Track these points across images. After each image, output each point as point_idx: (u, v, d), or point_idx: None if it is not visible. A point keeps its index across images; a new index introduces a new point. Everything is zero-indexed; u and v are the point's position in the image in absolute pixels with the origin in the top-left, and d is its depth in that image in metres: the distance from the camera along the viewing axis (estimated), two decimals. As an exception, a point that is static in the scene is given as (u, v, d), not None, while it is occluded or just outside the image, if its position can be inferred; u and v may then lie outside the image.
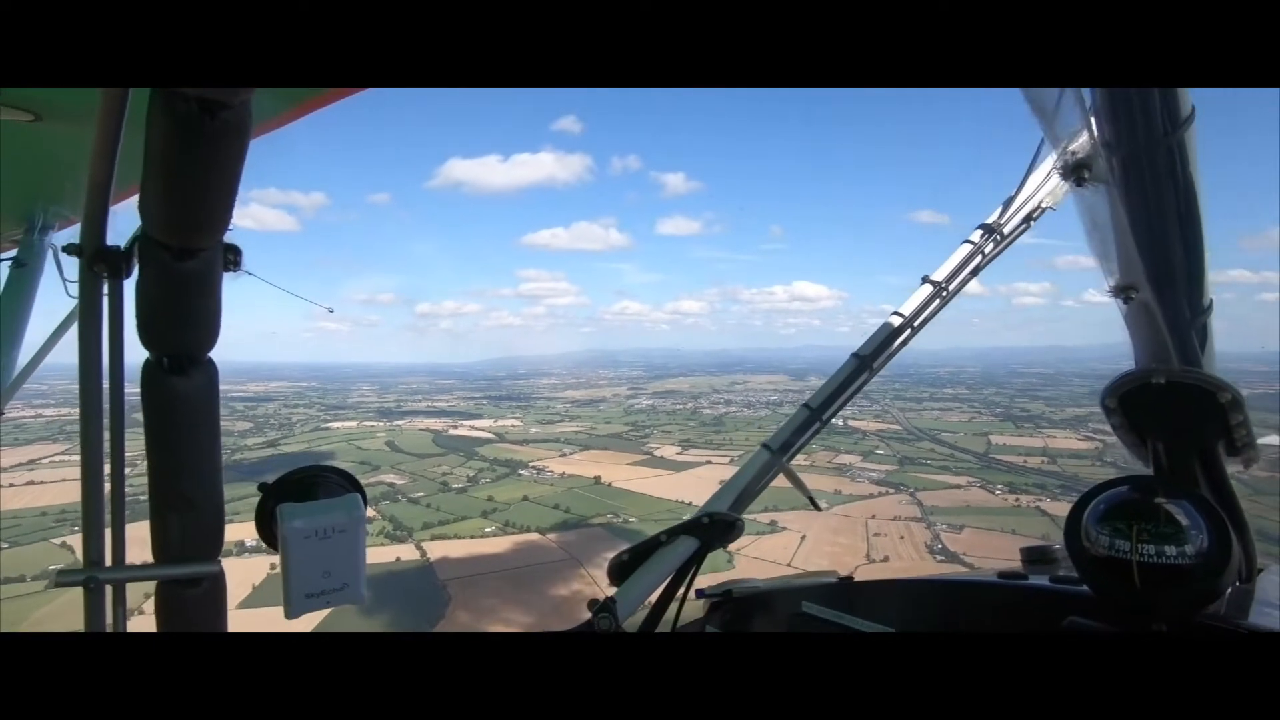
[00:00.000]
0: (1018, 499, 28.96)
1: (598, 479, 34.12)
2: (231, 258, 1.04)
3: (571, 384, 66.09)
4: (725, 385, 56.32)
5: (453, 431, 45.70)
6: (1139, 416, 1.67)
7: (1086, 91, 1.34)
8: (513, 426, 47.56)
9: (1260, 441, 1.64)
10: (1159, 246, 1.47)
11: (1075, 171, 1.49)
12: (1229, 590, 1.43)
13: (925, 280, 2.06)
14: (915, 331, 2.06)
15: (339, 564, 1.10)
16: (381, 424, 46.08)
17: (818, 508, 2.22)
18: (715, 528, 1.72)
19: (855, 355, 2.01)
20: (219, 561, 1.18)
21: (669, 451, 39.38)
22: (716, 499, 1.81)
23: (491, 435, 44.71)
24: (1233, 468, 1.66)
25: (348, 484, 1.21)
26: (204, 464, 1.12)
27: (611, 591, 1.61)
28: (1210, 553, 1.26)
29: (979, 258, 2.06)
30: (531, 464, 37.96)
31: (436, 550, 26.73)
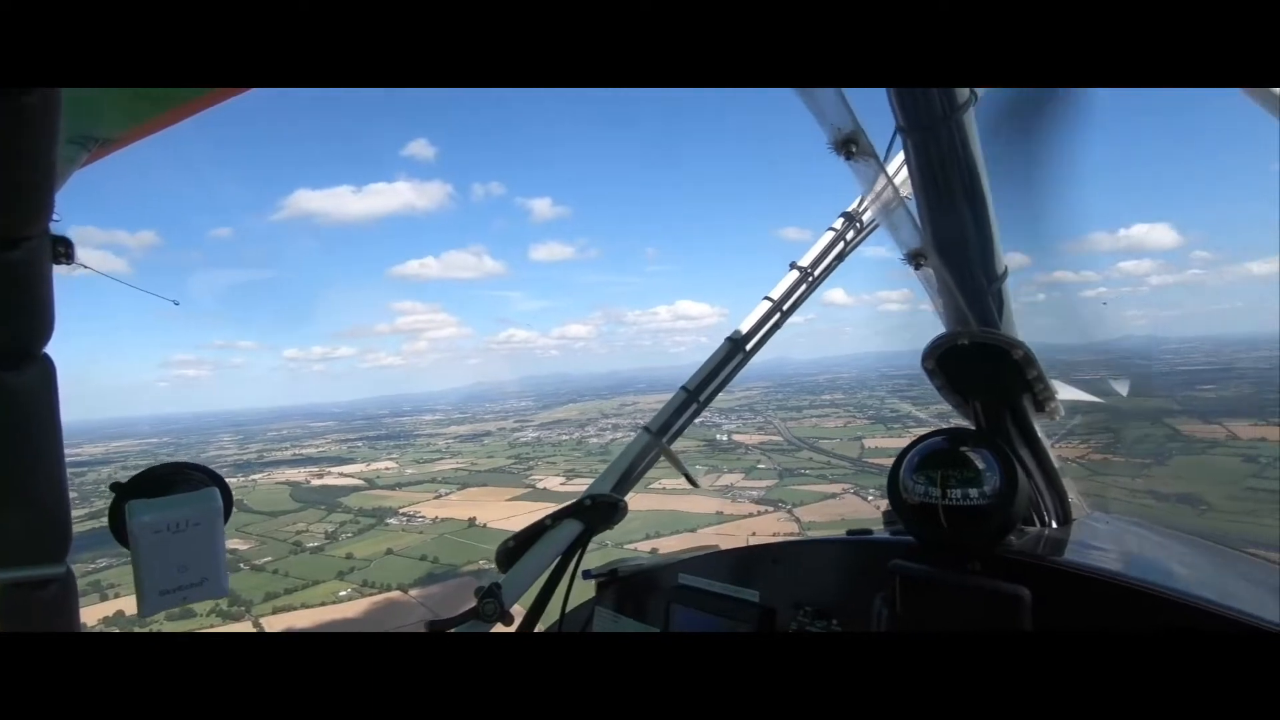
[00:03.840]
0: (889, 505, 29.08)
1: (472, 520, 32.04)
2: (62, 250, 1.01)
3: (456, 419, 63.67)
4: (615, 408, 55.43)
5: (316, 482, 42.03)
6: (956, 377, 1.78)
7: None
8: (386, 469, 44.53)
9: (1059, 396, 1.77)
10: (950, 218, 1.62)
11: (844, 147, 1.55)
12: (1046, 532, 1.76)
13: (793, 266, 2.14)
14: (785, 315, 2.14)
15: (196, 558, 1.10)
16: (233, 480, 41.18)
17: (694, 484, 2.28)
18: (598, 510, 1.79)
19: (730, 339, 2.07)
20: (66, 563, 1.09)
21: (553, 483, 37.66)
22: (599, 482, 1.87)
23: (361, 482, 41.48)
24: (1045, 420, 1.83)
25: (209, 479, 1.22)
26: (45, 462, 1.05)
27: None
28: (1002, 491, 1.38)
29: (841, 244, 2.16)
30: (402, 510, 35.21)
31: (277, 624, 23.69)
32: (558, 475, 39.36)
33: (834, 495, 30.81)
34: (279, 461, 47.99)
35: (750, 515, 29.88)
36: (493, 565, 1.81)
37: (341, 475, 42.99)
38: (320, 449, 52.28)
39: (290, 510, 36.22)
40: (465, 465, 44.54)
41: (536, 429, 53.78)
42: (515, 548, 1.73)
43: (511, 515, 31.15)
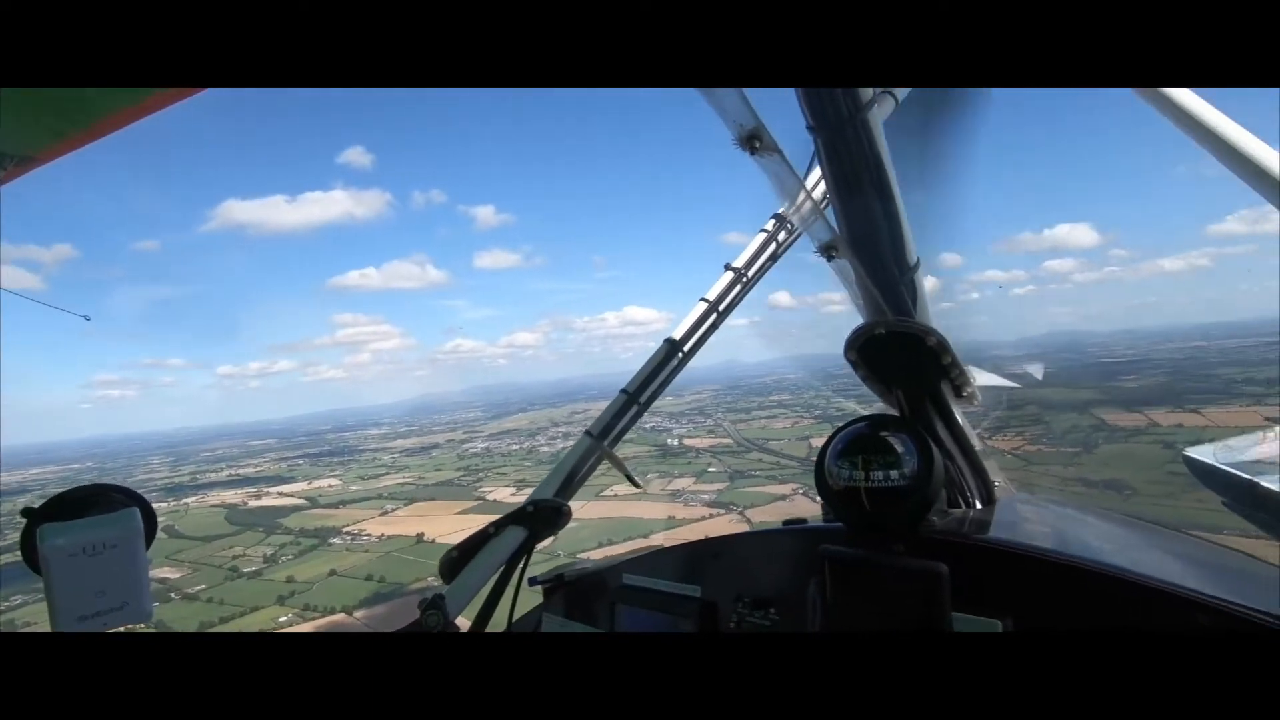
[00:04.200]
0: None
1: (420, 536, 31.08)
2: None
3: (403, 432, 62.20)
4: (565, 416, 54.96)
5: (254, 503, 40.25)
6: (877, 367, 1.80)
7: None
8: (330, 487, 42.99)
9: (977, 382, 1.85)
10: (861, 213, 1.70)
11: (748, 143, 1.57)
12: (970, 513, 1.85)
13: (727, 267, 2.17)
14: (722, 316, 2.16)
15: (115, 582, 1.07)
16: (164, 505, 39.15)
17: (636, 485, 2.29)
18: (541, 515, 1.80)
19: (668, 340, 2.10)
20: None
21: (503, 494, 36.90)
22: (542, 487, 1.88)
23: (302, 501, 39.91)
24: (965, 405, 1.90)
25: (129, 499, 1.19)
26: None
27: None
28: (919, 473, 1.43)
29: (774, 245, 2.19)
30: (346, 529, 33.96)
31: (213, 655, 22.38)
32: (508, 486, 38.63)
33: (784, 496, 30.99)
34: (214, 483, 45.85)
35: (702, 519, 29.83)
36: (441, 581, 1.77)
37: (281, 495, 41.36)
38: (258, 469, 50.38)
39: (226, 534, 34.56)
40: (412, 480, 43.41)
41: (486, 440, 52.97)
42: (459, 558, 1.72)
43: (461, 529, 30.01)
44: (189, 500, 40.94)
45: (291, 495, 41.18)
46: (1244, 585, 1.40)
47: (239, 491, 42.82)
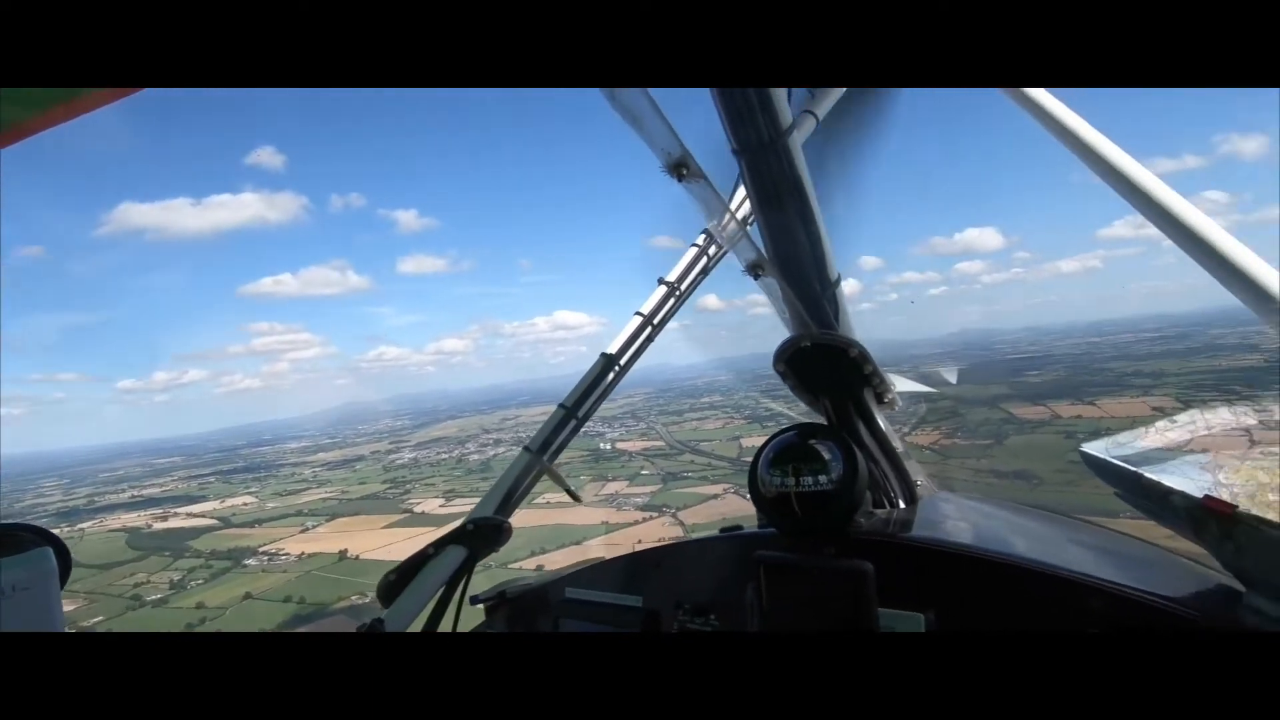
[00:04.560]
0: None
1: (343, 553, 29.80)
2: None
3: (324, 444, 59.71)
4: (496, 423, 54.05)
5: (159, 525, 37.78)
6: (805, 378, 1.90)
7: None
8: (244, 505, 40.83)
9: (897, 388, 1.96)
10: (785, 233, 1.77)
11: (676, 170, 1.61)
12: (895, 513, 1.96)
13: (660, 281, 2.19)
14: (657, 329, 2.18)
15: (29, 627, 1.03)
16: (55, 531, 35.87)
17: (577, 499, 2.21)
18: (482, 533, 1.77)
19: (604, 354, 2.10)
20: None
21: (431, 505, 35.94)
22: (482, 505, 1.85)
23: (214, 521, 37.71)
24: (887, 410, 2.01)
25: (40, 539, 1.14)
26: None
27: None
28: (845, 477, 1.49)
29: (705, 259, 2.22)
30: (262, 549, 32.21)
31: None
32: (437, 497, 37.70)
33: (715, 496, 31.41)
34: (113, 506, 43.03)
35: (636, 523, 29.91)
36: (368, 598, 1.73)
37: (190, 516, 39.08)
38: (165, 488, 47.63)
39: (127, 560, 32.16)
40: (335, 494, 41.75)
41: (413, 449, 51.67)
42: (397, 580, 1.69)
43: (387, 544, 29.62)
44: (85, 525, 37.98)
45: (202, 516, 38.92)
46: (1136, 569, 1.51)
47: (142, 514, 40.09)
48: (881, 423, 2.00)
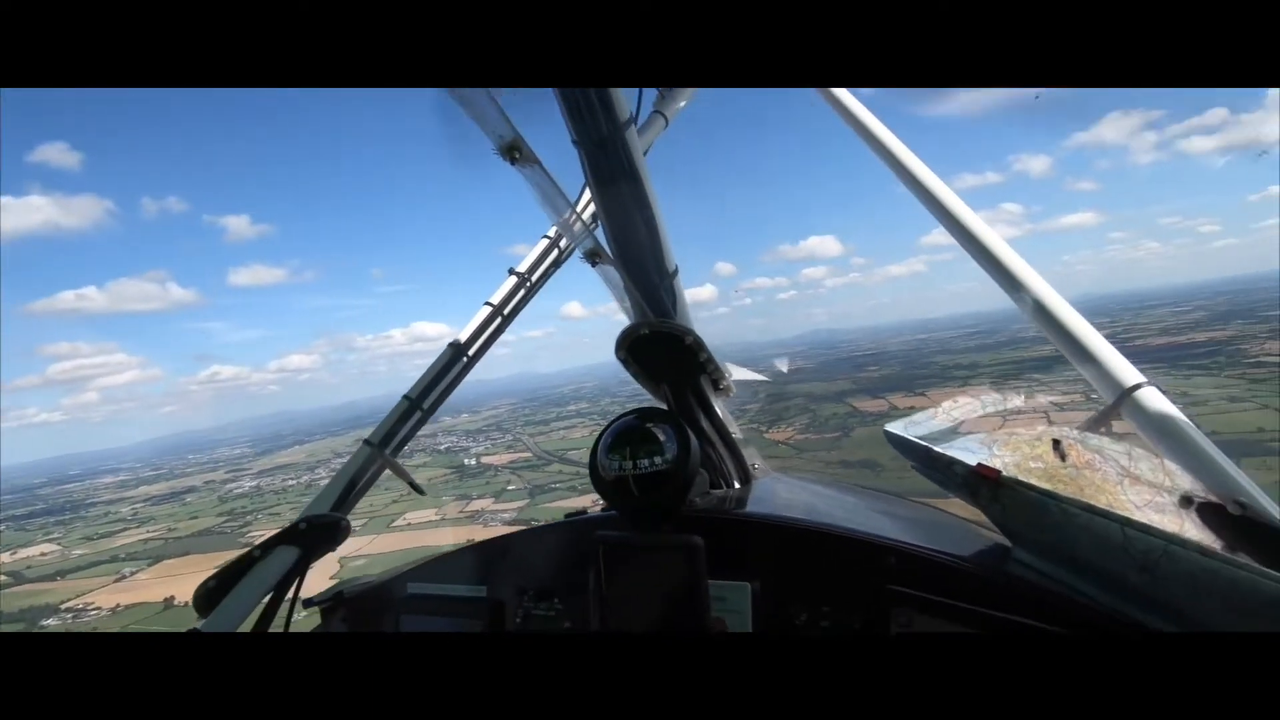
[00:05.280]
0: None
1: (169, 601, 26.36)
2: None
3: (147, 477, 52.99)
4: (349, 445, 49.76)
5: (-74, 588, 31.36)
6: (646, 365, 2.00)
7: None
8: (43, 555, 35.17)
9: (732, 376, 2.04)
10: (623, 223, 1.78)
11: (509, 153, 1.59)
12: (730, 492, 2.08)
13: (511, 272, 2.17)
14: (507, 320, 2.16)
15: None
16: None
17: (420, 492, 2.14)
18: (316, 532, 1.66)
19: (451, 345, 2.06)
20: None
21: (278, 538, 32.82)
22: (316, 502, 1.74)
23: (4, 578, 32.15)
24: (723, 397, 2.11)
25: None
26: None
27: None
28: (678, 458, 1.54)
29: (556, 251, 2.22)
30: (66, 606, 27.82)
31: None
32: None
33: (585, 510, 31.00)
34: None
35: (505, 538, 28.88)
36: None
37: (-32, 575, 32.71)
38: (-69, 546, 39.48)
39: (-121, 635, 26.43)
40: (160, 533, 37.13)
41: (255, 477, 47.13)
42: (217, 586, 1.57)
43: (225, 584, 26.56)
44: None
45: (-14, 572, 32.82)
46: (930, 532, 1.72)
47: (-97, 577, 33.14)
48: (719, 409, 2.10)
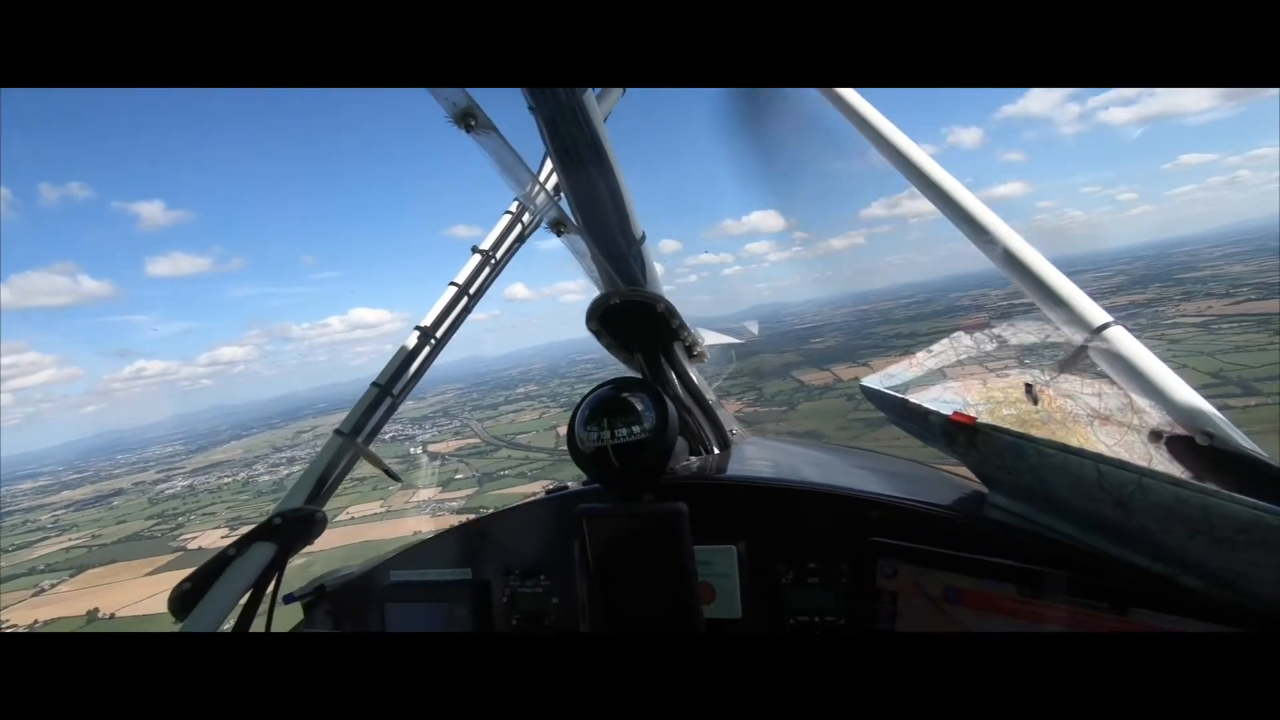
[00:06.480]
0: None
1: (93, 614, 24.80)
2: None
3: (70, 481, 50.14)
4: (289, 438, 48.71)
5: None
6: (618, 335, 1.97)
7: None
8: (-51, 572, 32.65)
9: (705, 342, 2.07)
10: (586, 190, 1.74)
11: (463, 120, 1.58)
12: (710, 459, 2.04)
13: (474, 250, 2.13)
14: (474, 299, 2.12)
15: None
16: None
17: (396, 479, 2.18)
18: (291, 526, 1.65)
19: (418, 329, 2.03)
20: None
21: (211, 538, 31.19)
22: (290, 496, 1.73)
23: (-95, 599, 29.74)
24: (698, 363, 2.12)
25: None
26: None
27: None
28: (657, 425, 1.54)
29: (519, 226, 2.19)
30: (-26, 626, 25.95)
31: None
32: (219, 528, 32.95)
33: (535, 495, 30.69)
34: None
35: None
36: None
37: None
38: None
39: None
40: (83, 541, 35.30)
41: (188, 476, 45.24)
42: (193, 588, 1.54)
43: (154, 593, 25.21)
44: None
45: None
46: (908, 483, 1.74)
47: None
48: (693, 375, 2.10)
